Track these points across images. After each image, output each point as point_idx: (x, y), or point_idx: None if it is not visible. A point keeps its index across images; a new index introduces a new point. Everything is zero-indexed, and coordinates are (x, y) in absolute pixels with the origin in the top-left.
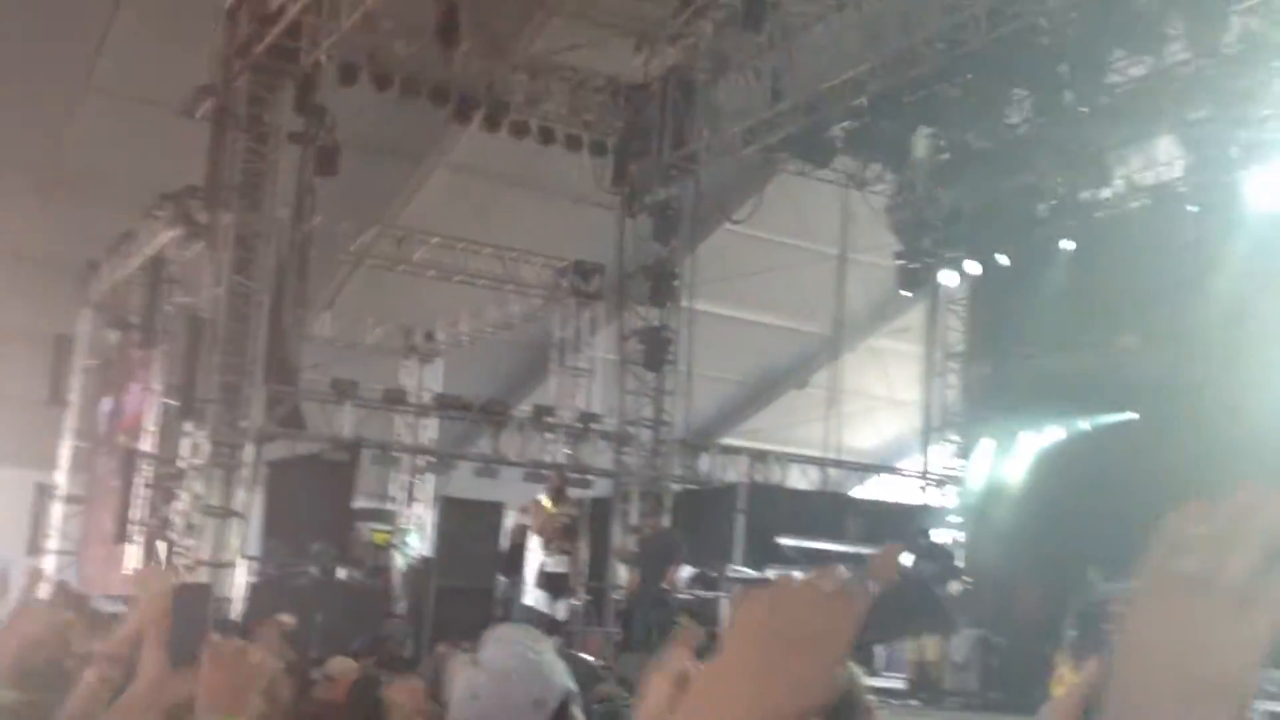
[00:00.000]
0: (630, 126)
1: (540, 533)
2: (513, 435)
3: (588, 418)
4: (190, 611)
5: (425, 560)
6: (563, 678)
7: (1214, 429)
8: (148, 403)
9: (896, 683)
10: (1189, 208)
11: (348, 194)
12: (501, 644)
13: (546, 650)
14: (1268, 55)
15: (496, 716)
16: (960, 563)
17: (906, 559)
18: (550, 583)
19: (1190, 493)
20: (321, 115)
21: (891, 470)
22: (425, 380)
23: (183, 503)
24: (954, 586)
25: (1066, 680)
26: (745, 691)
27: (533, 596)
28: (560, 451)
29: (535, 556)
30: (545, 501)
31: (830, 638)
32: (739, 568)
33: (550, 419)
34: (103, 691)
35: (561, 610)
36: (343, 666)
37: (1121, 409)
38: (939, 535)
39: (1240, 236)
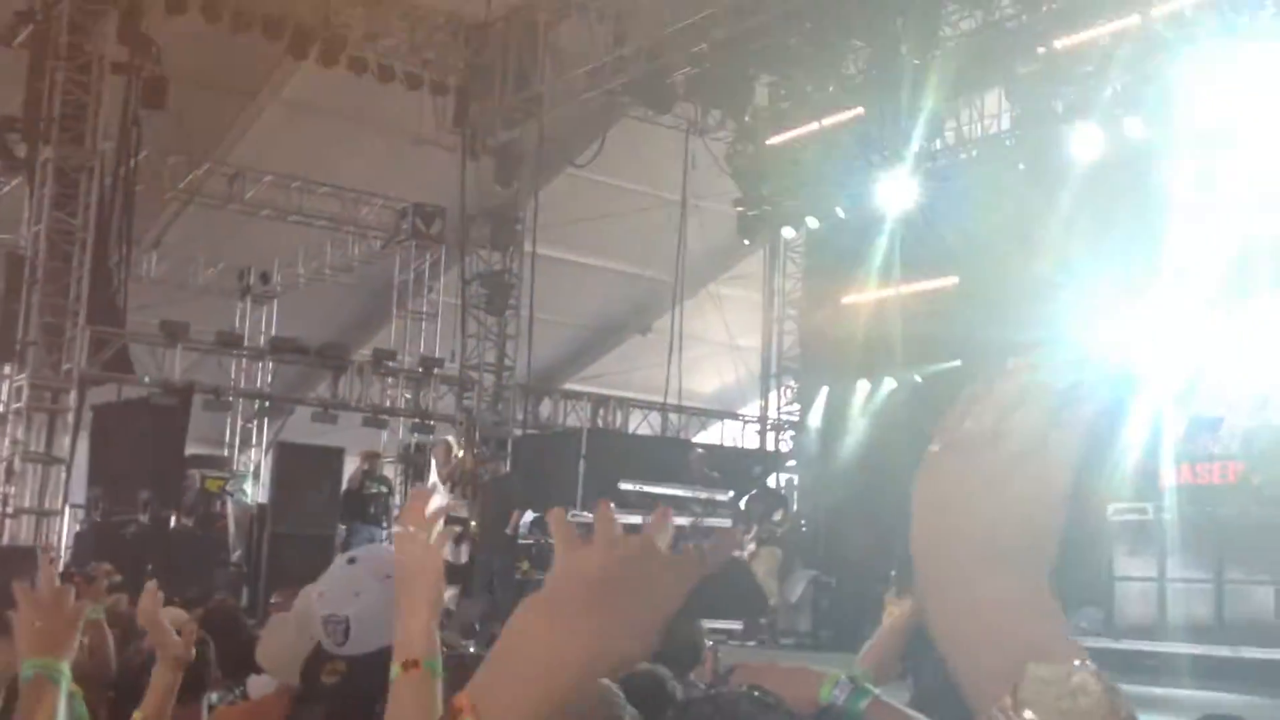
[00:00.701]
0: (472, 67)
1: (448, 478)
2: (352, 380)
3: (429, 362)
4: (16, 577)
5: (260, 507)
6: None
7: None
8: None
9: (734, 624)
10: (1019, 166)
11: (177, 129)
12: (376, 550)
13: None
14: (1091, 12)
15: (377, 615)
16: (794, 505)
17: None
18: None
19: None
20: (148, 45)
21: (732, 416)
22: (260, 323)
23: (3, 449)
24: (778, 515)
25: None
26: (569, 633)
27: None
28: (401, 397)
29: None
30: (454, 445)
31: (662, 597)
32: (580, 512)
33: (391, 363)
34: None
35: (464, 555)
36: (172, 617)
37: (947, 357)
38: (773, 479)
39: (1062, 188)
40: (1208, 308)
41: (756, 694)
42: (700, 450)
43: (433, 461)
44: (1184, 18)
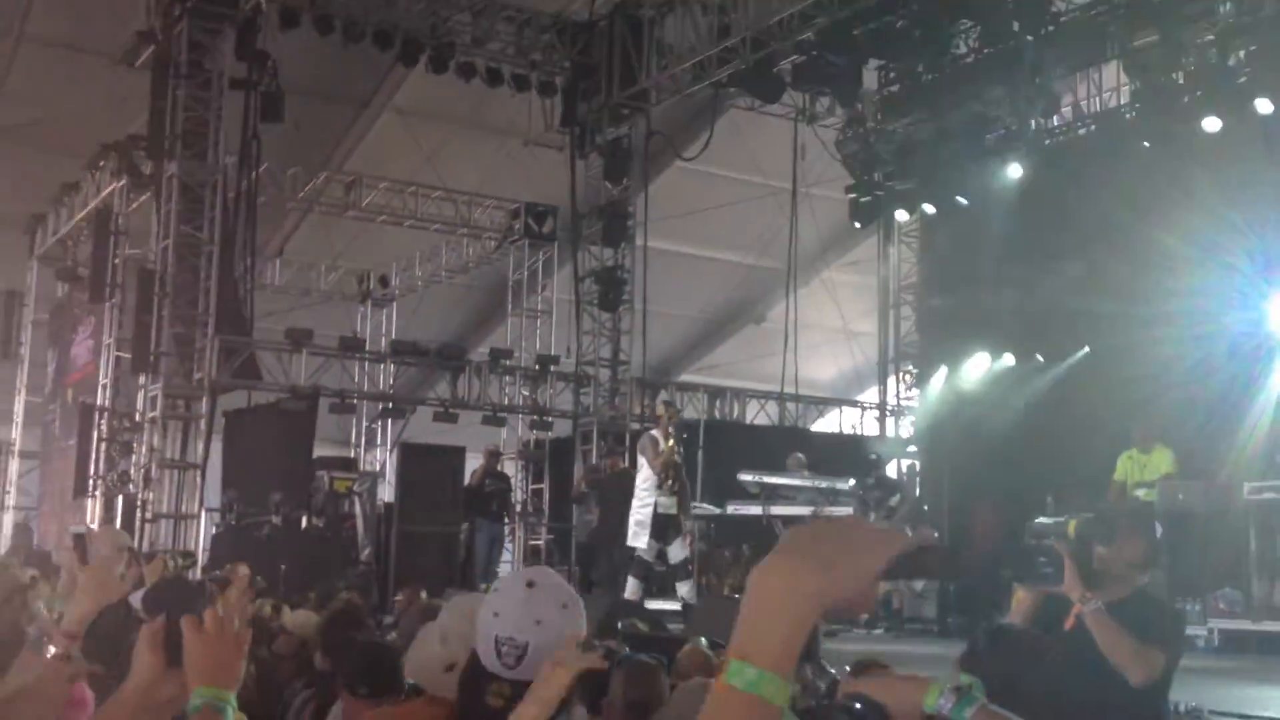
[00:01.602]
0: (578, 66)
1: (660, 471)
2: (470, 379)
3: (545, 359)
4: (186, 610)
5: (387, 506)
6: (584, 619)
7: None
8: (101, 357)
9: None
10: (1143, 144)
11: (294, 140)
12: (556, 577)
13: (573, 592)
14: None
15: (553, 645)
16: (916, 490)
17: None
18: (662, 525)
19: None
20: (264, 60)
21: (850, 403)
22: (381, 326)
23: (140, 456)
24: (895, 500)
25: (1021, 601)
26: (786, 573)
27: (641, 541)
28: (519, 394)
29: (648, 497)
30: (660, 436)
31: (867, 555)
32: (700, 504)
33: (508, 362)
34: (63, 669)
35: (677, 553)
36: (302, 620)
37: (1070, 338)
38: (894, 466)
39: (1187, 160)
40: None
41: (858, 706)
42: (799, 455)
43: (640, 459)
44: None
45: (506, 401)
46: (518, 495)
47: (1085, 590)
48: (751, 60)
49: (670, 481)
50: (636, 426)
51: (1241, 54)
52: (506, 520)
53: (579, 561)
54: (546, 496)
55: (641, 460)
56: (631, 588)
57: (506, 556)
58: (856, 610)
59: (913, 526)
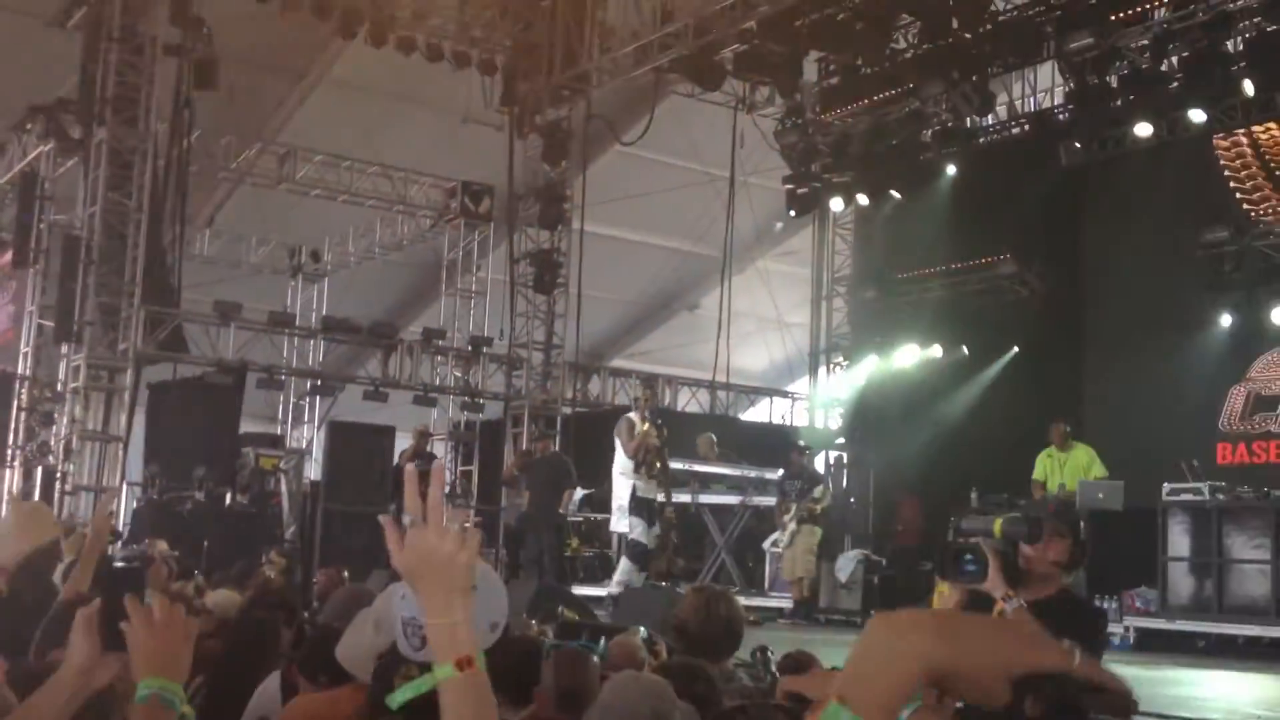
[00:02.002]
0: (519, 44)
1: (634, 454)
2: (402, 358)
3: (478, 340)
4: (125, 592)
5: (313, 485)
6: (506, 606)
7: (1090, 358)
8: (22, 324)
9: (785, 602)
10: (1075, 145)
11: (228, 109)
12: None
13: (497, 576)
14: None
15: None
16: (844, 482)
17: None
18: (644, 508)
19: (1063, 419)
20: (199, 26)
21: (780, 393)
22: (311, 302)
23: (61, 427)
24: (818, 491)
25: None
26: (901, 626)
27: (626, 524)
28: (451, 375)
29: (625, 481)
30: (637, 419)
31: (1007, 648)
32: None
33: (440, 342)
34: None
35: (653, 539)
36: (224, 600)
37: (999, 335)
38: (819, 455)
39: (1118, 164)
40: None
41: (789, 709)
42: (710, 435)
43: (616, 441)
44: None
45: (438, 382)
46: (446, 477)
47: (1008, 589)
48: (693, 46)
49: (647, 465)
50: (568, 410)
51: (1174, 60)
52: None
53: (507, 545)
54: (475, 478)
55: (618, 443)
56: (624, 570)
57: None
58: (982, 699)
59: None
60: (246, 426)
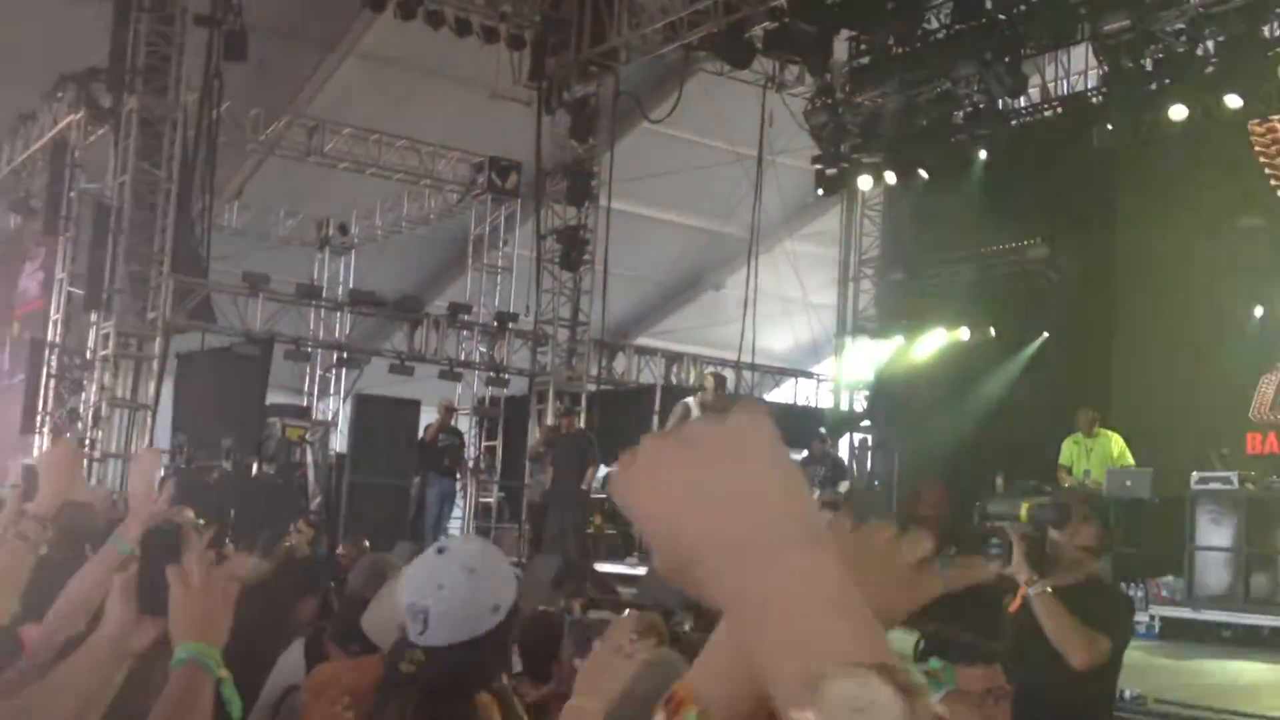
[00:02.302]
0: (548, 20)
1: None
2: (428, 332)
3: (504, 316)
4: (163, 556)
5: (339, 456)
6: (515, 588)
7: (1120, 344)
8: (52, 291)
9: None
10: (1108, 128)
11: (257, 80)
12: (471, 542)
13: (504, 558)
14: None
15: (457, 610)
16: (868, 465)
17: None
18: None
19: (1091, 405)
20: None
21: (805, 374)
22: (338, 274)
23: (90, 394)
24: (843, 486)
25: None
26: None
27: None
28: (476, 350)
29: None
30: (693, 408)
31: (898, 593)
32: None
33: (466, 317)
34: (22, 552)
35: None
36: (250, 567)
37: (1027, 319)
38: (844, 438)
39: (1152, 149)
40: None
41: None
42: (686, 402)
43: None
44: None
45: (463, 357)
46: (470, 452)
47: (1032, 573)
48: (723, 24)
49: None
50: (593, 387)
51: (1210, 44)
52: (458, 476)
53: (530, 521)
54: (499, 454)
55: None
56: None
57: (457, 513)
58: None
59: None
60: (273, 398)
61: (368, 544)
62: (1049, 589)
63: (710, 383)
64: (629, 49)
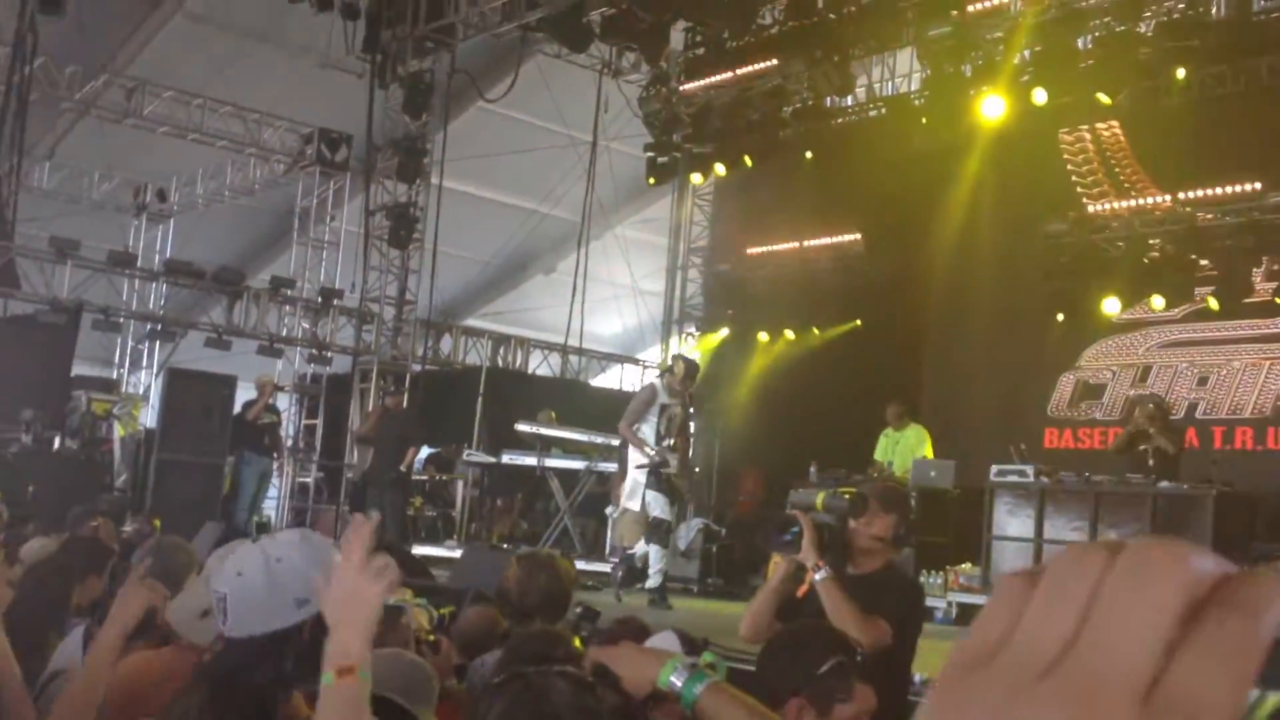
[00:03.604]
0: None
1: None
2: (248, 306)
3: (329, 292)
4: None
5: (148, 432)
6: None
7: (931, 340)
8: None
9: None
10: (928, 131)
11: (75, 37)
12: (290, 532)
13: (327, 549)
14: None
15: (253, 600)
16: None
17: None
18: (664, 482)
19: (901, 398)
20: None
21: (631, 360)
22: (155, 243)
23: None
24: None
25: (776, 565)
26: None
27: (634, 503)
28: (298, 326)
29: (640, 456)
30: (659, 388)
31: None
32: (475, 452)
33: (289, 291)
34: None
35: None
36: (40, 551)
37: (847, 312)
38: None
39: (968, 152)
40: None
41: (573, 674)
42: (549, 412)
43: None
44: None
45: (285, 333)
46: (289, 430)
47: (818, 559)
48: (562, 6)
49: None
50: (418, 368)
51: (1027, 53)
52: (275, 455)
53: (350, 503)
54: (319, 433)
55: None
56: (655, 556)
57: (273, 492)
58: None
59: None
60: (80, 369)
61: (157, 524)
62: (831, 575)
63: (680, 367)
64: (466, 26)
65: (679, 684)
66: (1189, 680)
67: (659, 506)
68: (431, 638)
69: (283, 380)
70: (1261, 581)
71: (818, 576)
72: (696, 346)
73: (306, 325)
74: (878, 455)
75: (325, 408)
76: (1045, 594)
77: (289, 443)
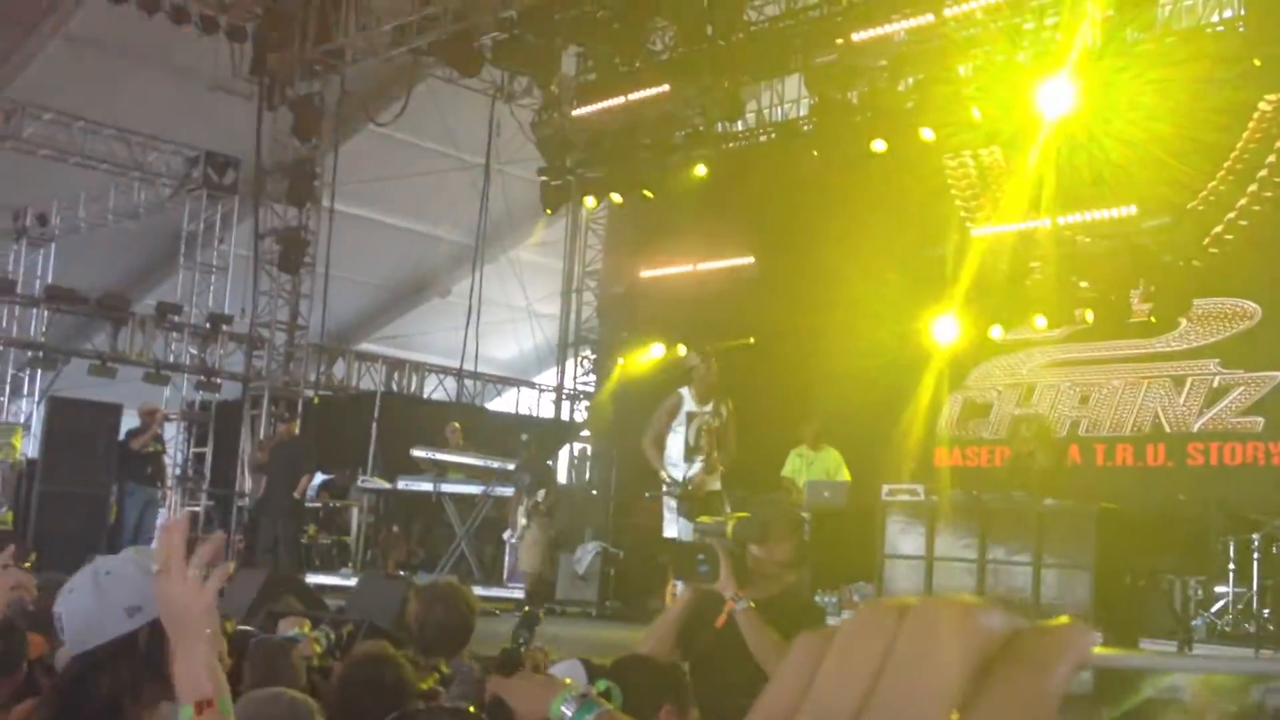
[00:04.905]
0: (271, 13)
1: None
2: (133, 332)
3: (217, 318)
4: None
5: (30, 463)
6: (147, 586)
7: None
8: None
9: (517, 593)
10: (816, 155)
11: None
12: (128, 550)
13: (137, 559)
14: (888, 8)
15: (82, 614)
16: (586, 475)
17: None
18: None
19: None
20: None
21: (527, 384)
22: (36, 268)
23: None
24: (540, 494)
25: (676, 595)
26: None
27: (672, 530)
28: (186, 352)
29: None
30: (690, 398)
31: None
32: (370, 478)
33: (176, 317)
34: None
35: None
36: None
37: (741, 334)
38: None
39: (856, 177)
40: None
41: (460, 711)
42: (454, 425)
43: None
44: (974, 19)
45: (172, 359)
46: (178, 458)
47: (738, 589)
48: (453, 31)
49: (703, 451)
50: (310, 393)
51: (910, 81)
52: (159, 485)
53: (245, 532)
54: (209, 461)
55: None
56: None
57: (160, 522)
58: None
59: None
60: None
61: (31, 560)
62: (751, 604)
63: (707, 367)
64: (355, 49)
65: (569, 714)
66: None
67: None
68: (325, 664)
69: (170, 408)
70: (1049, 635)
71: (738, 607)
72: (620, 366)
73: (194, 351)
74: (787, 472)
75: (215, 435)
76: (838, 654)
77: (176, 471)
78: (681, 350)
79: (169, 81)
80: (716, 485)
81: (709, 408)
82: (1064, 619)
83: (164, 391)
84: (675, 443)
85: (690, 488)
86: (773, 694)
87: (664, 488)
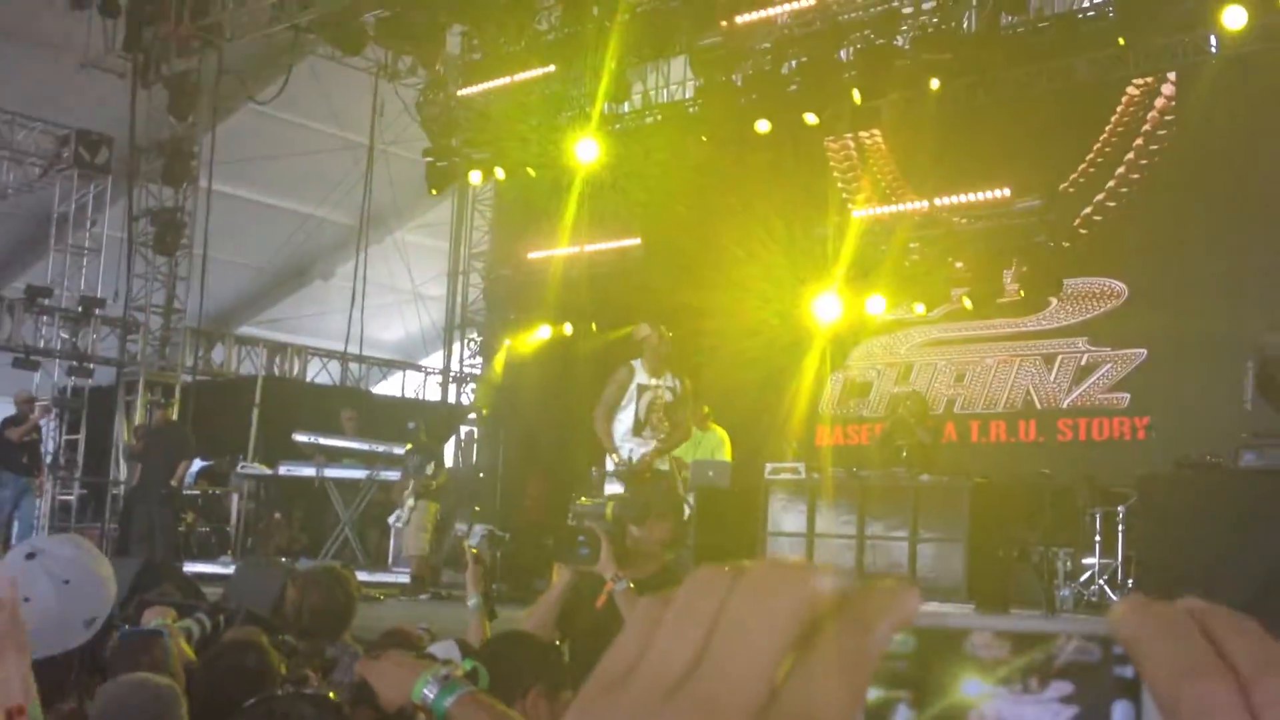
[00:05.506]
0: None
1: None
2: (1, 317)
3: (89, 301)
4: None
5: None
6: (110, 598)
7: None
8: None
9: (403, 578)
10: (702, 138)
11: None
12: (64, 546)
13: (103, 563)
14: None
15: (46, 626)
16: (474, 458)
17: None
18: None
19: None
20: None
21: (414, 367)
22: None
23: None
24: (430, 469)
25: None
26: None
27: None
28: (57, 337)
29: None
30: (641, 370)
31: None
32: (251, 464)
33: (46, 301)
34: None
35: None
36: None
37: (628, 316)
38: (452, 431)
39: (741, 158)
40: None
41: (319, 698)
42: (351, 411)
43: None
44: (855, 3)
45: (42, 344)
46: (49, 446)
47: (618, 570)
48: (335, 7)
49: (651, 426)
50: (188, 378)
51: (793, 64)
52: (35, 474)
53: (119, 520)
54: (81, 449)
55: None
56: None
57: (36, 512)
58: None
59: None
60: None
61: None
62: (631, 584)
63: (657, 338)
64: (233, 25)
65: (431, 696)
66: (804, 693)
67: None
68: (193, 654)
69: (41, 394)
70: (875, 595)
71: (618, 587)
72: (507, 349)
73: (66, 336)
74: (677, 452)
75: (88, 422)
76: (675, 616)
77: (48, 459)
78: (568, 329)
79: (38, 58)
80: (665, 465)
81: (663, 381)
82: (890, 581)
83: (34, 377)
84: (624, 418)
85: (639, 467)
86: (613, 656)
87: (609, 468)
